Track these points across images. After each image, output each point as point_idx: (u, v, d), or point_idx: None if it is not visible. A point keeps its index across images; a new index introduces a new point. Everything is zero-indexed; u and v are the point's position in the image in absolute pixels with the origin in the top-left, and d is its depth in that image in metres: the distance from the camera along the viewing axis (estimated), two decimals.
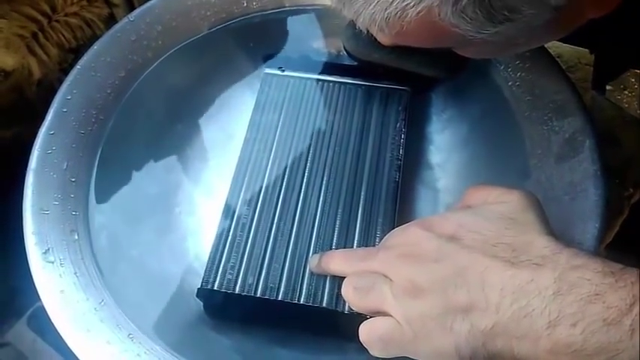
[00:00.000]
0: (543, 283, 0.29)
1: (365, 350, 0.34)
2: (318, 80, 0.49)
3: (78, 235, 0.40)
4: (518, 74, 0.47)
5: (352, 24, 0.40)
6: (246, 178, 0.44)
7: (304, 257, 0.40)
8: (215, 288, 0.39)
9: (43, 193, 0.41)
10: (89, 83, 0.45)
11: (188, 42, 0.49)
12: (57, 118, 0.43)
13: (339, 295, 0.38)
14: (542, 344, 0.29)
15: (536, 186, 0.43)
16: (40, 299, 0.37)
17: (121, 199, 0.44)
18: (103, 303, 0.38)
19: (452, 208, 0.43)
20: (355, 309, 0.36)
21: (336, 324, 0.38)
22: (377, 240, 0.41)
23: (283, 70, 0.49)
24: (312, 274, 0.40)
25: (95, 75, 0.46)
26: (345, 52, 0.47)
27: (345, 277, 0.37)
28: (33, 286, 0.38)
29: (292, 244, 0.41)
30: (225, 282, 0.39)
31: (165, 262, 0.43)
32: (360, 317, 0.35)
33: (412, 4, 0.29)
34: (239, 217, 0.42)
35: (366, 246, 0.41)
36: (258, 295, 0.39)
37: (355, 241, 0.41)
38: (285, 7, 0.51)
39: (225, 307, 0.39)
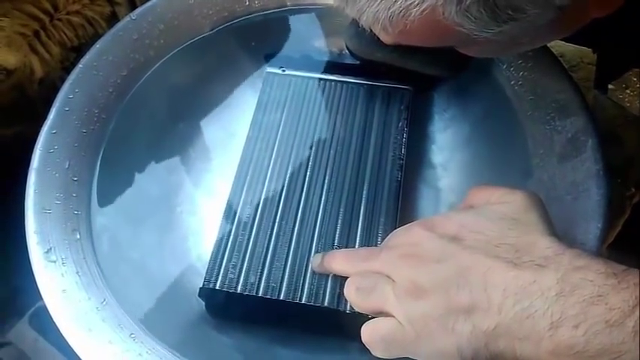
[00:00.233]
0: (546, 284, 0.29)
1: (367, 350, 0.34)
2: (320, 79, 0.49)
3: (80, 234, 0.40)
4: (521, 73, 0.47)
5: (355, 23, 0.40)
6: (248, 178, 0.44)
7: (306, 256, 0.40)
8: (217, 287, 0.39)
9: (45, 192, 0.41)
10: (91, 82, 0.45)
11: (190, 41, 0.49)
12: (59, 116, 0.43)
13: (340, 295, 0.38)
14: (545, 345, 0.29)
15: (539, 185, 0.43)
16: (41, 298, 0.37)
17: (123, 198, 0.44)
18: (104, 302, 0.38)
19: (454, 209, 0.43)
20: (357, 309, 0.36)
21: (337, 324, 0.38)
22: (379, 239, 0.41)
23: (285, 70, 0.49)
24: (313, 273, 0.40)
25: (97, 74, 0.46)
26: (347, 51, 0.47)
27: (347, 277, 0.37)
28: (35, 285, 0.38)
29: (294, 244, 0.41)
30: (227, 281, 0.39)
31: (167, 262, 0.43)
32: (362, 317, 0.35)
33: (416, 2, 0.29)
34: (241, 217, 0.42)
35: (368, 245, 0.41)
36: (260, 294, 0.39)
37: (357, 241, 0.41)
38: (287, 6, 0.51)
39: (226, 307, 0.39)
